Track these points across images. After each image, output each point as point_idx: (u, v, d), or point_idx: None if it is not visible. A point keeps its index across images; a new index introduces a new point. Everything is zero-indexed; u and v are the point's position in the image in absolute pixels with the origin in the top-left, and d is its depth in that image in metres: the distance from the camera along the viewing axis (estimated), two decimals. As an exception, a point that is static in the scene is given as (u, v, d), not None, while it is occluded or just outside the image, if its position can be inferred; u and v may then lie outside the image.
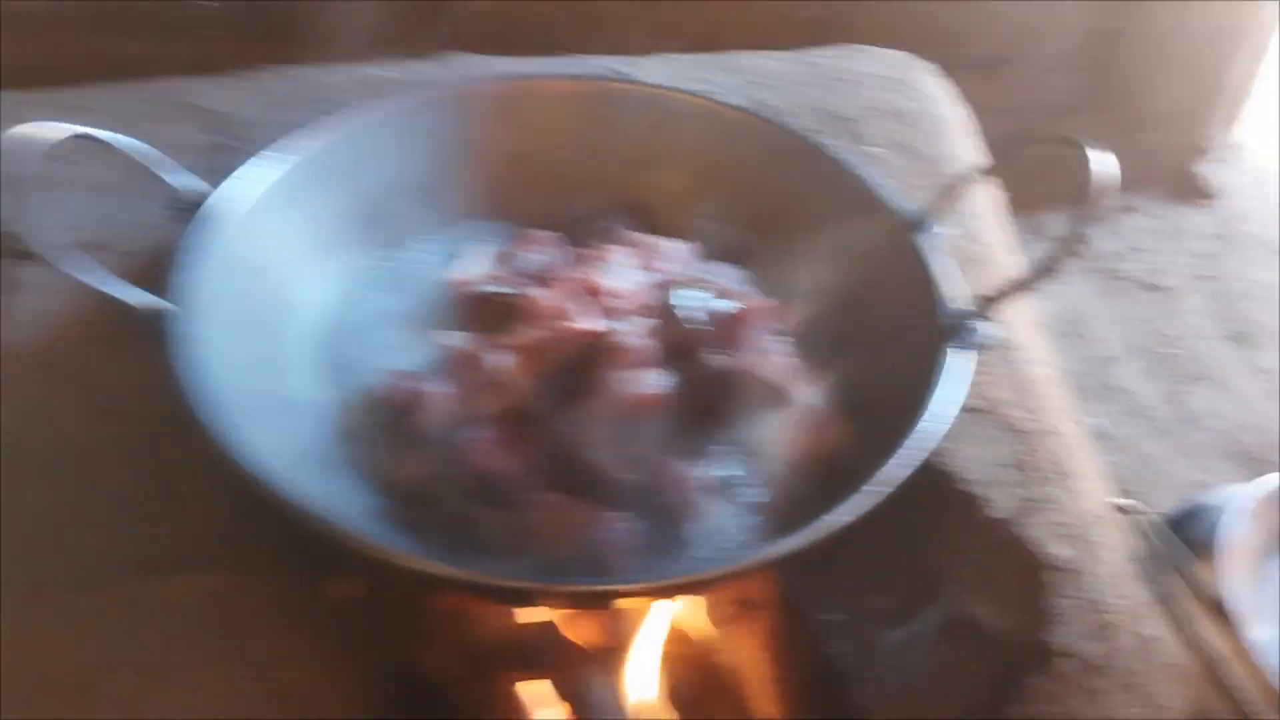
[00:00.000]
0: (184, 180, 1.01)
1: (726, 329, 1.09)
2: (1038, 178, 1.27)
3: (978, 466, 1.07)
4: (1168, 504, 1.70)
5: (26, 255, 1.16)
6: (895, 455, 0.90)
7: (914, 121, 1.47)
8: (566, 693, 1.08)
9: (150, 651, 0.90)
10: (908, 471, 0.89)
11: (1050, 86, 2.43)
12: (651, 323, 1.07)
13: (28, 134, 0.88)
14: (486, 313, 1.11)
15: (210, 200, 1.01)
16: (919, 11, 2.25)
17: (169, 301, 0.91)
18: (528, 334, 1.04)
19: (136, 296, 0.90)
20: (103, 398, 1.04)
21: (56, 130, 0.90)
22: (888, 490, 0.88)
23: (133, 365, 1.05)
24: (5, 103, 1.37)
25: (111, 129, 1.30)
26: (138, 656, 0.89)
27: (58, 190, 1.21)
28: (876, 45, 1.73)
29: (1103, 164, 0.92)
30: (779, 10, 2.25)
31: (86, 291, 1.08)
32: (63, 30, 2.17)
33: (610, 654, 1.12)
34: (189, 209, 1.00)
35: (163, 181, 1.03)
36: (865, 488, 0.88)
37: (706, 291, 1.10)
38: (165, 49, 2.18)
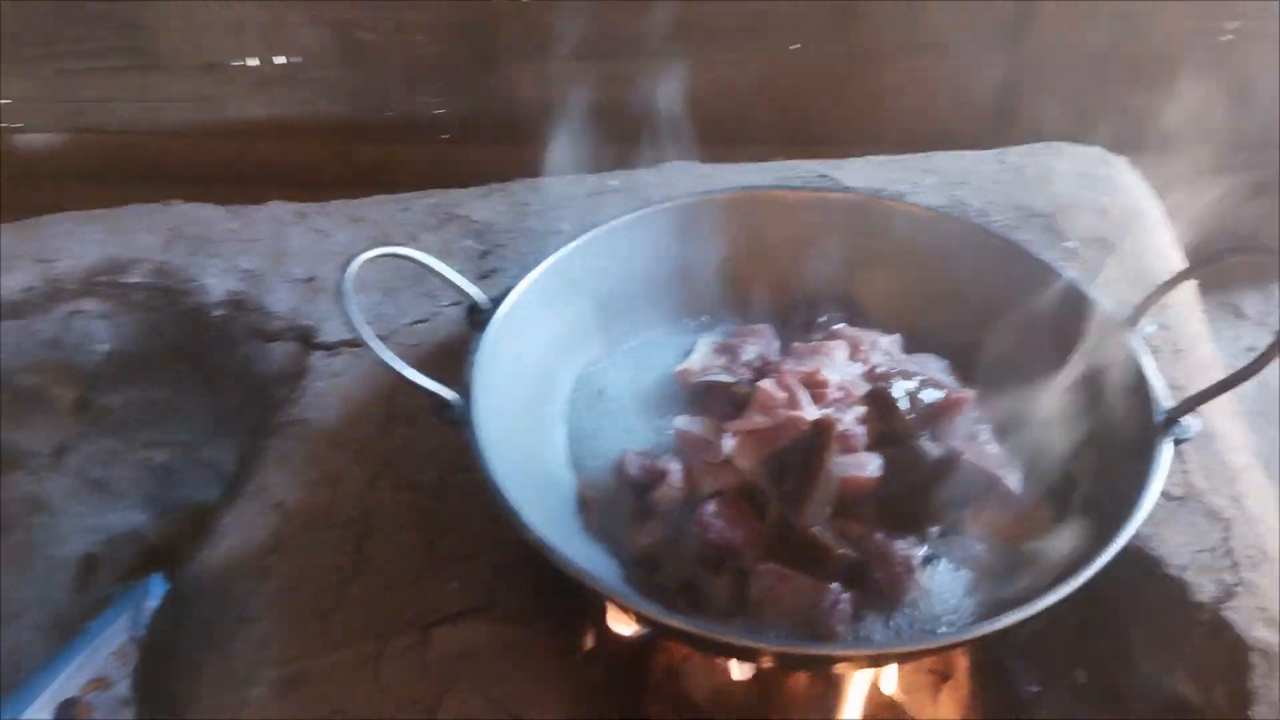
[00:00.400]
0: (471, 288, 1.19)
1: (933, 417, 1.19)
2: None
3: (1182, 552, 1.12)
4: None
5: (324, 346, 1.40)
6: (1098, 541, 0.98)
7: (1109, 216, 1.54)
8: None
9: (427, 693, 1.05)
10: (1109, 556, 0.96)
11: (1243, 164, 2.42)
12: (864, 410, 1.19)
13: (365, 258, 1.07)
14: (713, 401, 1.25)
15: (493, 308, 1.18)
16: (1107, 94, 2.30)
17: (464, 391, 1.09)
18: (753, 420, 1.18)
19: (435, 388, 1.08)
20: (390, 471, 1.23)
21: (380, 252, 1.10)
22: (1089, 573, 0.95)
23: (417, 443, 1.25)
24: (290, 213, 1.62)
25: (390, 238, 1.55)
26: (416, 696, 1.04)
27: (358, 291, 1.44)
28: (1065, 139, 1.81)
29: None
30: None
31: (376, 379, 1.31)
32: (313, 137, 2.49)
33: (819, 712, 1.21)
34: (474, 312, 1.19)
35: (439, 285, 1.21)
36: (1069, 570, 0.96)
37: (914, 382, 1.21)
38: (403, 152, 2.47)
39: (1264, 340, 0.98)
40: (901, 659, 1.13)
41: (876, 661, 1.08)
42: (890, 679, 1.29)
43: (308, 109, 2.48)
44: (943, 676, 1.35)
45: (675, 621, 0.96)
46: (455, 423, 1.08)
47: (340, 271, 1.07)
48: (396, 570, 1.12)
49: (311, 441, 1.26)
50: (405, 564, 1.13)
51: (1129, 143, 2.37)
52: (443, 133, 2.46)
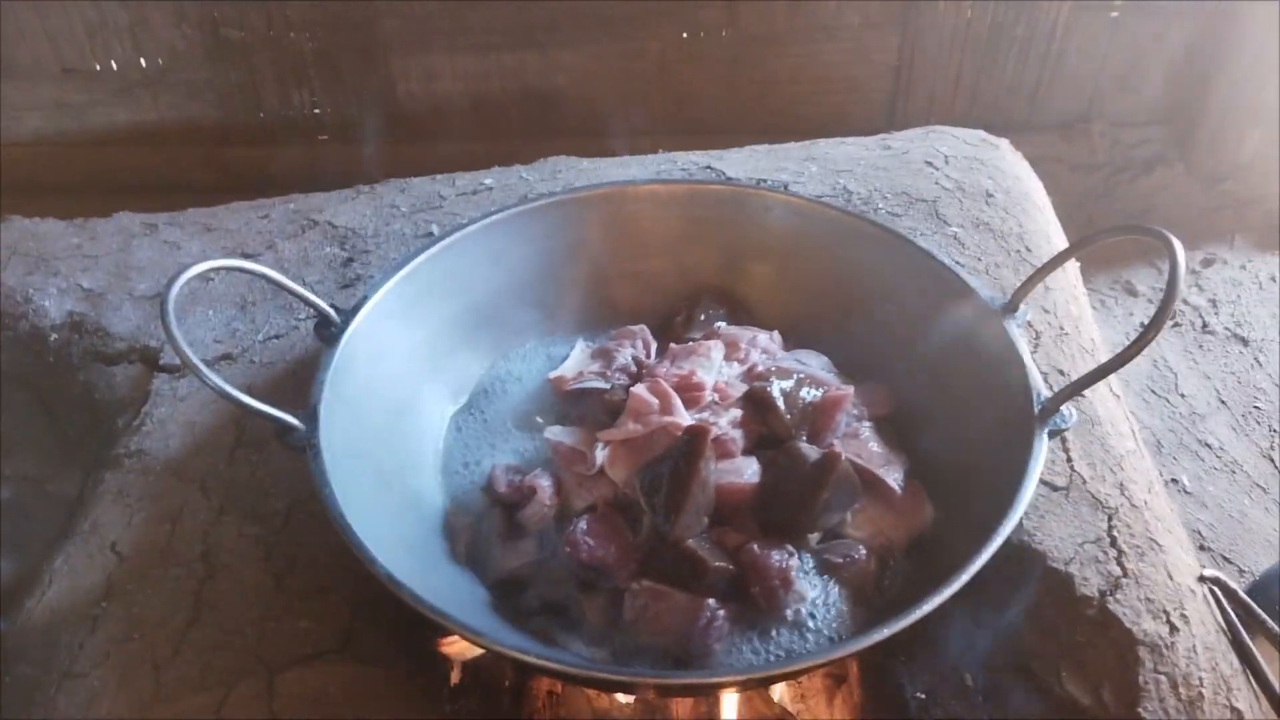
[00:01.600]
0: (320, 302, 1.11)
1: (813, 416, 1.15)
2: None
3: (1066, 545, 1.09)
4: (1260, 562, 1.68)
5: (168, 369, 1.30)
6: (980, 538, 0.94)
7: (993, 200, 1.51)
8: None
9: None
10: (987, 555, 0.92)
11: (1133, 140, 2.44)
12: (741, 414, 1.14)
13: (189, 275, 0.98)
14: (588, 408, 1.19)
15: (345, 322, 1.10)
16: (998, 75, 2.30)
17: (305, 417, 1.00)
18: (626, 428, 1.12)
19: (276, 414, 0.99)
20: (236, 503, 1.14)
21: (210, 265, 1.01)
22: (971, 574, 0.91)
23: (266, 470, 1.16)
24: (138, 224, 1.52)
25: (245, 247, 1.45)
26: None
27: (201, 306, 1.35)
28: (959, 114, 1.78)
29: (1177, 251, 0.96)
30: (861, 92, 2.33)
31: (224, 403, 1.21)
32: (182, 142, 2.37)
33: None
34: (325, 327, 1.10)
35: (299, 300, 1.12)
36: (952, 572, 0.92)
37: (793, 380, 1.16)
38: (278, 154, 2.36)
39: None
40: (778, 680, 1.08)
41: (753, 685, 1.03)
42: (780, 690, 1.24)
43: (175, 113, 2.35)
44: (838, 680, 1.31)
45: (536, 659, 0.90)
46: (299, 449, 1.00)
47: (165, 289, 0.98)
48: (240, 612, 1.04)
49: (152, 474, 1.16)
50: (250, 604, 1.04)
51: (1019, 123, 2.40)
52: (320, 133, 2.35)
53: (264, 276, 1.07)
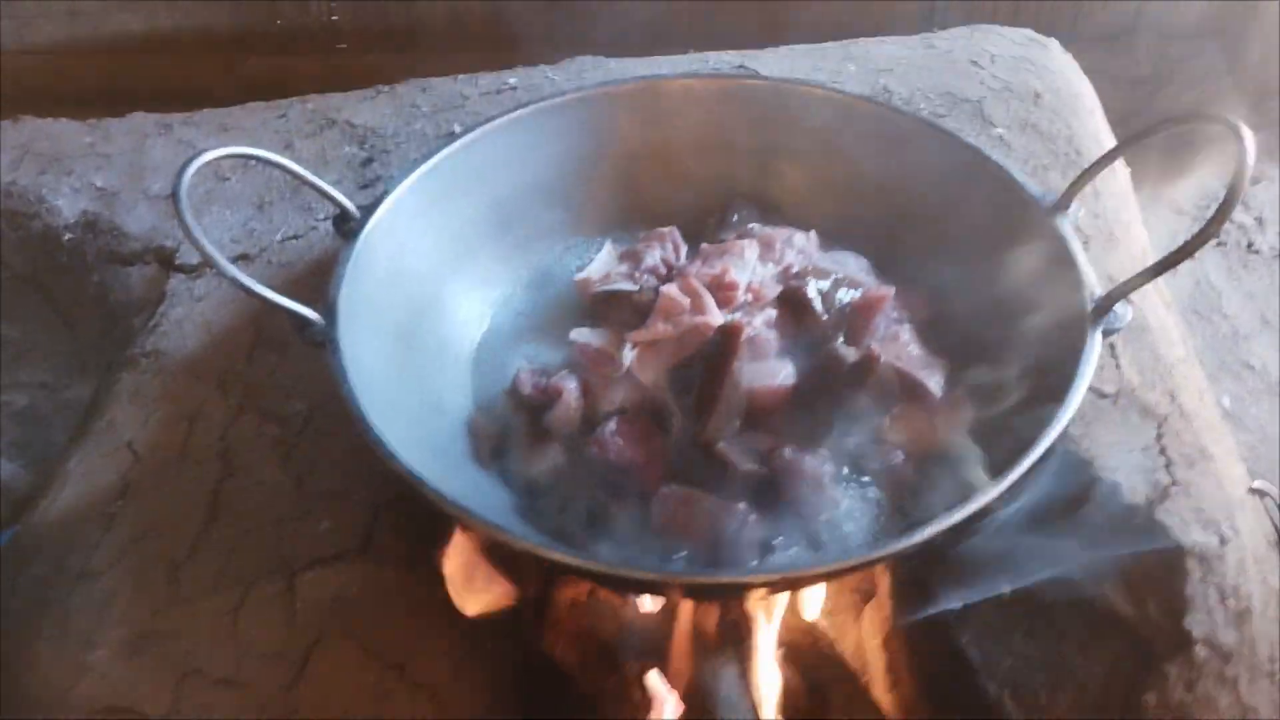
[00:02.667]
0: (337, 194, 1.06)
1: (851, 318, 1.10)
2: (1167, 150, 1.23)
3: (1114, 452, 1.05)
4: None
5: (184, 269, 1.27)
6: (1024, 443, 0.90)
7: (1041, 100, 1.44)
8: (690, 683, 1.10)
9: (294, 645, 0.95)
10: (1033, 458, 0.88)
11: (1179, 55, 2.34)
12: (775, 314, 1.10)
13: (202, 161, 0.94)
14: (615, 310, 1.15)
15: (364, 218, 1.06)
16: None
17: (324, 311, 0.97)
18: (656, 329, 1.08)
19: (293, 307, 0.96)
20: (255, 403, 1.11)
21: (223, 152, 0.97)
22: (1013, 478, 0.87)
23: (286, 371, 1.13)
24: (152, 124, 1.47)
25: (262, 146, 1.40)
26: (281, 649, 0.95)
27: (217, 205, 1.31)
28: (1001, 22, 1.70)
29: (1247, 140, 0.90)
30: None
31: (242, 302, 1.18)
32: (198, 51, 2.31)
33: (733, 643, 1.14)
34: (343, 222, 1.06)
35: (318, 197, 1.08)
36: (992, 477, 0.88)
37: (829, 281, 1.11)
38: (295, 65, 2.30)
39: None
40: (812, 581, 1.05)
41: (786, 586, 1.00)
42: (810, 603, 1.22)
43: (190, 21, 2.28)
44: (866, 596, 1.28)
45: (562, 556, 0.87)
46: (318, 344, 0.96)
47: (176, 177, 0.94)
48: (259, 512, 1.01)
49: (168, 373, 1.13)
50: (269, 505, 1.02)
51: (1063, 34, 2.30)
52: (338, 42, 2.29)
53: (278, 165, 1.03)
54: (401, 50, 2.27)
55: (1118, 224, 1.29)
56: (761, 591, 1.05)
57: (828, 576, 0.98)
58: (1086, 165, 1.08)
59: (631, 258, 1.20)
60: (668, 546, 0.98)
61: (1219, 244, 2.12)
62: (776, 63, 1.53)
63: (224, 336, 1.16)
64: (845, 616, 1.31)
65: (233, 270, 0.92)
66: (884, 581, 1.20)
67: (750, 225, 1.23)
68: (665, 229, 1.23)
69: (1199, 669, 0.96)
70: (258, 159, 1.03)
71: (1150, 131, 1.01)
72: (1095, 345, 0.94)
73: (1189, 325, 1.97)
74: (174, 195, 0.93)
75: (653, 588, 1.01)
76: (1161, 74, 2.34)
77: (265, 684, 0.93)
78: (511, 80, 1.51)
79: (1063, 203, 1.07)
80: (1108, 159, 1.06)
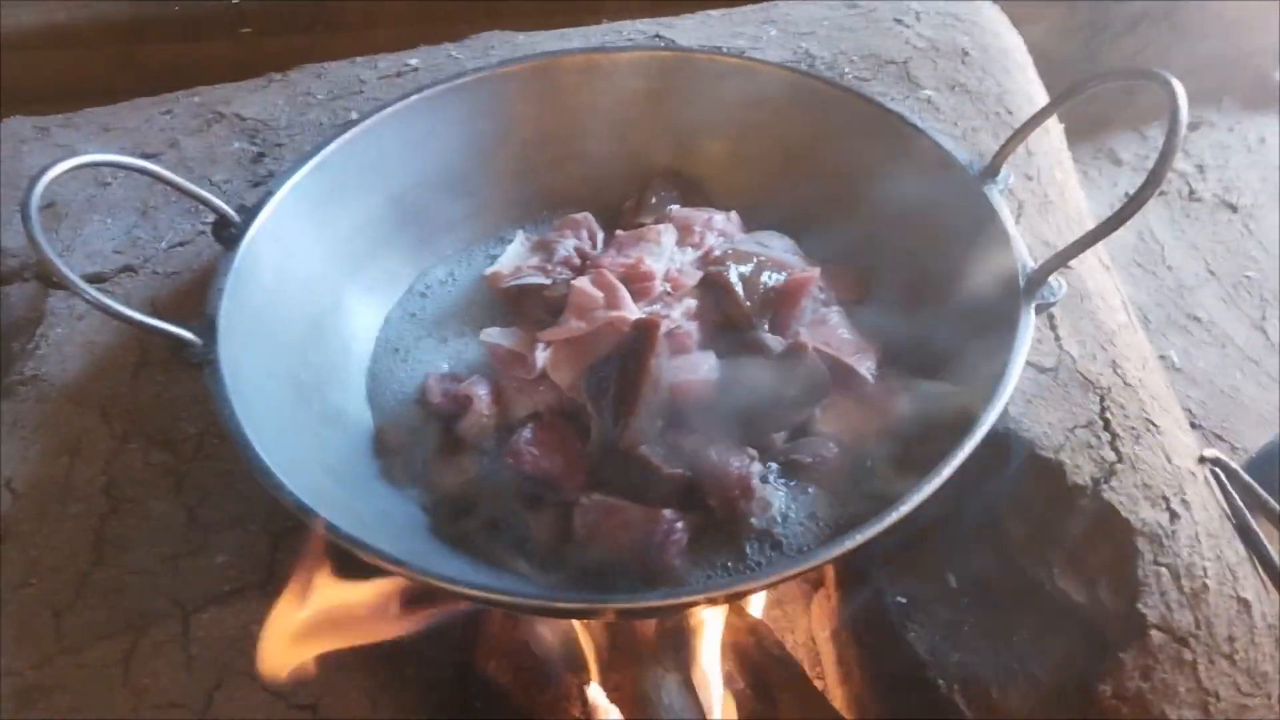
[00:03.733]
0: (212, 198, 0.98)
1: (776, 302, 1.04)
2: (1104, 99, 1.18)
3: (1056, 431, 1.00)
4: (1255, 439, 1.60)
5: (63, 286, 1.17)
6: (960, 429, 0.84)
7: (969, 59, 1.38)
8: (632, 694, 1.05)
9: (194, 691, 0.88)
10: (972, 445, 0.83)
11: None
12: (695, 304, 1.03)
13: (55, 173, 0.85)
14: (529, 307, 1.08)
15: (245, 223, 0.98)
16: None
17: (206, 326, 0.89)
18: (569, 326, 1.01)
19: (165, 327, 0.88)
20: (142, 429, 1.03)
21: (74, 163, 0.88)
22: (953, 467, 0.82)
23: (174, 393, 1.05)
24: (30, 129, 1.37)
25: (145, 146, 1.31)
26: (180, 698, 0.88)
27: (99, 213, 1.21)
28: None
29: (1179, 94, 0.84)
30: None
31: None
32: (96, 44, 2.18)
33: (674, 650, 1.08)
34: (223, 228, 0.98)
35: (199, 200, 0.99)
36: (932, 467, 0.82)
37: (752, 264, 1.05)
38: (198, 52, 2.18)
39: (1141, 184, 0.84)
40: (741, 596, 1.00)
41: (715, 603, 0.94)
42: (753, 604, 1.17)
43: (85, 10, 2.15)
44: (814, 585, 1.24)
45: (473, 591, 0.80)
46: (196, 365, 0.88)
47: (25, 194, 0.85)
48: (148, 549, 0.93)
49: (48, 401, 1.04)
50: (159, 540, 0.94)
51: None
52: (242, 26, 2.17)
53: (141, 170, 0.94)
54: (310, 31, 2.16)
55: (1052, 185, 1.23)
56: (688, 609, 0.99)
57: (754, 590, 0.92)
58: (1018, 125, 1.02)
59: (544, 248, 1.13)
60: (594, 557, 0.92)
61: (1160, 194, 2.08)
62: (695, 29, 1.46)
63: (106, 358, 1.08)
64: (794, 605, 1.27)
65: (92, 293, 0.84)
66: (829, 572, 1.16)
67: (669, 208, 1.16)
68: (579, 215, 1.16)
69: (1155, 655, 0.92)
70: (121, 166, 0.94)
71: (1079, 89, 0.95)
72: (1029, 322, 0.88)
73: (1132, 279, 1.94)
74: (22, 213, 0.84)
75: (577, 614, 0.95)
76: (1097, 20, 2.29)
77: (167, 730, 0.86)
78: (413, 61, 1.42)
79: (992, 168, 1.01)
80: (1036, 120, 1.00)
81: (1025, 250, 0.93)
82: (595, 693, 1.10)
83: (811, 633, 1.26)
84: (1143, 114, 2.20)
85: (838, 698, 1.16)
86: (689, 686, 1.07)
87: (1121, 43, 2.27)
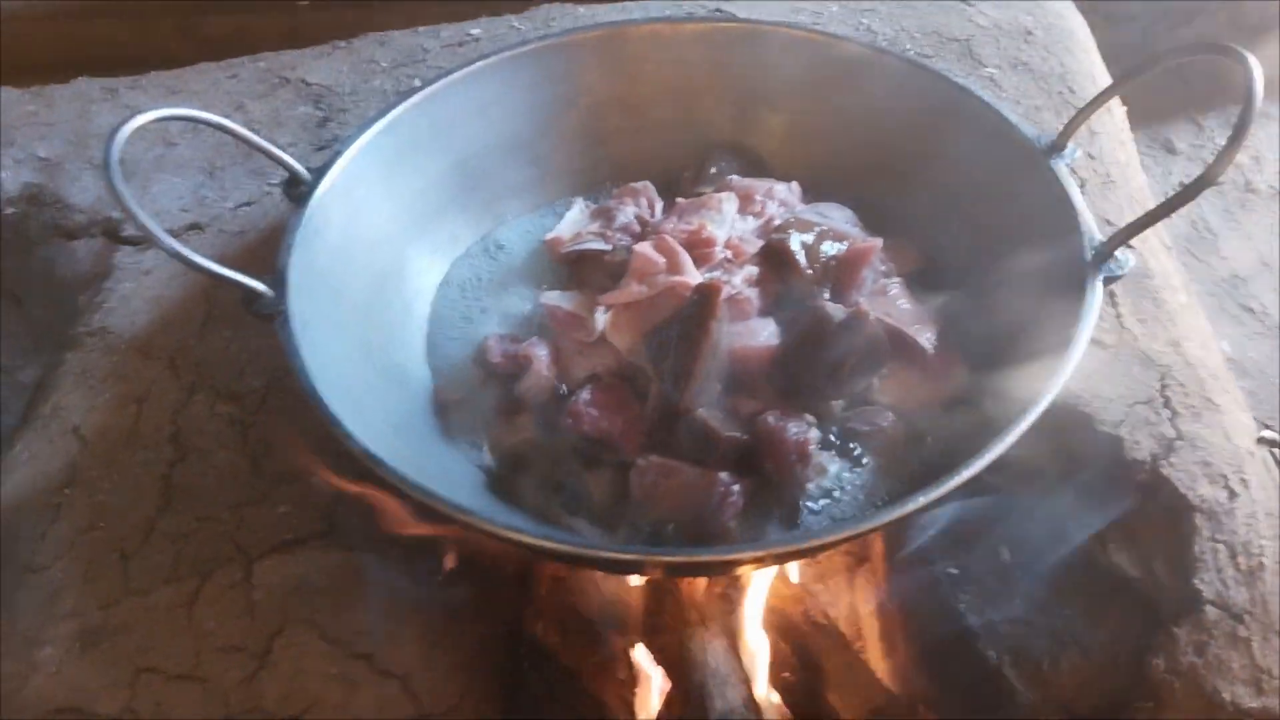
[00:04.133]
0: (285, 156, 1.00)
1: (837, 272, 1.04)
2: (1159, 88, 1.16)
3: (1116, 406, 1.00)
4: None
5: (132, 242, 1.20)
6: (1020, 401, 0.84)
7: (1033, 38, 1.37)
8: (677, 657, 1.06)
9: (254, 636, 0.90)
10: (1034, 417, 0.83)
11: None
12: (757, 270, 1.04)
13: (136, 123, 0.87)
14: (588, 272, 1.09)
15: (315, 181, 0.99)
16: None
17: (277, 280, 0.90)
18: (629, 290, 1.02)
19: (239, 278, 0.89)
20: (208, 381, 1.05)
21: (157, 115, 0.90)
22: (1012, 438, 0.82)
23: (240, 346, 1.07)
24: (98, 90, 1.40)
25: (211, 109, 1.32)
26: (241, 641, 0.90)
27: (166, 172, 1.24)
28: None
29: (1255, 70, 0.84)
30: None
31: (192, 275, 1.12)
32: (154, 13, 2.21)
33: (721, 616, 1.09)
34: (294, 186, 0.99)
35: (269, 161, 1.01)
36: (990, 438, 0.82)
37: (813, 234, 1.05)
38: (256, 23, 2.20)
39: (1196, 174, 0.84)
40: (791, 558, 1.00)
41: (765, 562, 0.95)
42: (798, 569, 1.17)
43: (145, -20, 2.19)
44: (859, 560, 1.24)
45: (530, 539, 0.81)
46: (267, 317, 0.90)
47: (107, 144, 0.87)
48: (214, 497, 0.96)
49: (116, 352, 1.07)
50: (224, 489, 0.96)
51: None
52: (300, -2, 2.20)
53: (220, 127, 0.96)
54: (366, 3, 2.17)
55: (1114, 165, 1.23)
56: (742, 569, 1.00)
57: (808, 553, 0.93)
58: (1081, 104, 1.02)
59: (604, 215, 1.14)
60: (649, 518, 0.93)
61: (1217, 184, 2.05)
62: (755, 4, 1.46)
63: (174, 312, 1.10)
64: (837, 580, 1.27)
65: (171, 242, 0.86)
66: (877, 546, 1.16)
67: (729, 177, 1.17)
68: (639, 184, 1.17)
69: (1209, 631, 0.92)
70: (198, 120, 0.96)
71: (1150, 65, 0.94)
72: (1097, 294, 0.88)
73: (1185, 269, 1.91)
74: (105, 164, 0.86)
75: (627, 567, 0.96)
76: (1154, 11, 2.26)
77: (225, 678, 0.88)
78: (475, 31, 1.43)
79: (1058, 144, 1.00)
80: (1104, 97, 1.00)
81: (1093, 223, 0.93)
82: (640, 654, 1.11)
83: (855, 606, 1.26)
84: (1199, 102, 2.17)
85: (882, 671, 1.16)
86: (734, 651, 1.08)
87: (1178, 33, 2.24)
